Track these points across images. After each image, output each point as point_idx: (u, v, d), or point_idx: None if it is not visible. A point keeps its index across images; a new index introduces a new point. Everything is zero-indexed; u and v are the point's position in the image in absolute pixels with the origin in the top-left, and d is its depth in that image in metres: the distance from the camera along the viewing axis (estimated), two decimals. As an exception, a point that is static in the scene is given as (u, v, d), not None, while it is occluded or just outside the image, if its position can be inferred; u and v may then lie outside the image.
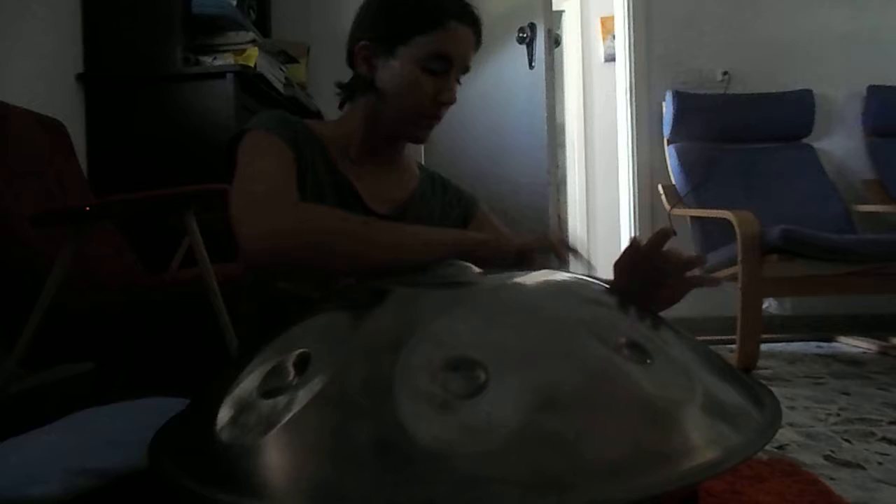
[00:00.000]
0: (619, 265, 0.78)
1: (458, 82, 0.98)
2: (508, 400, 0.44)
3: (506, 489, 0.39)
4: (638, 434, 0.44)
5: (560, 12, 4.14)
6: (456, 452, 0.41)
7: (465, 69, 0.97)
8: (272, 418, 0.47)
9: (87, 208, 1.30)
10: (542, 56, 2.53)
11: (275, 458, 0.46)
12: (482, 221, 1.12)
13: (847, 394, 1.79)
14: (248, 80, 2.08)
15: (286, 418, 0.47)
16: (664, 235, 0.75)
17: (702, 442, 0.46)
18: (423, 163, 1.21)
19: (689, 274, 0.77)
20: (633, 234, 3.08)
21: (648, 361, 0.51)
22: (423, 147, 2.94)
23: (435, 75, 0.94)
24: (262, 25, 2.66)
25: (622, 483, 0.40)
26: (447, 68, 0.94)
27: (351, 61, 0.99)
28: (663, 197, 2.82)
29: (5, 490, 0.65)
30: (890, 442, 1.35)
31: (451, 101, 0.96)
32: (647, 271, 0.75)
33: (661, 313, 0.69)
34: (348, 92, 1.02)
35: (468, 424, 0.42)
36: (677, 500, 0.59)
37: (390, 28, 0.94)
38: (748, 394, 0.55)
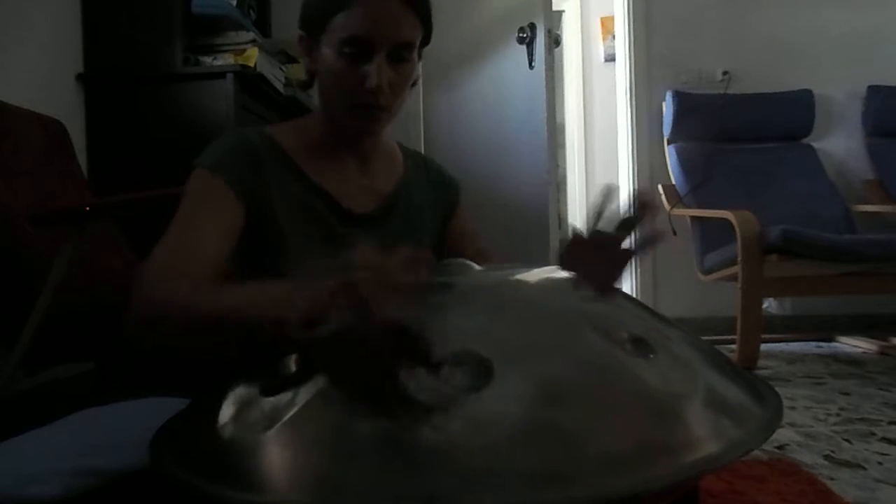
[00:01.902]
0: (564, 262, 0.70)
1: (400, 59, 0.84)
2: (512, 394, 0.44)
3: (509, 482, 0.39)
4: (641, 427, 0.44)
5: (560, 12, 4.14)
6: (459, 446, 0.41)
7: (402, 45, 0.83)
8: (274, 415, 0.47)
9: (87, 208, 1.30)
10: (542, 56, 2.53)
11: (277, 453, 0.46)
12: (461, 217, 1.07)
13: (847, 394, 1.79)
14: (248, 80, 2.08)
15: (289, 415, 0.47)
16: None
17: (704, 436, 0.46)
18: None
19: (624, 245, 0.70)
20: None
21: (651, 356, 0.51)
22: (423, 146, 2.94)
23: (357, 60, 0.82)
24: (262, 25, 2.66)
25: (625, 476, 0.40)
26: (367, 52, 0.82)
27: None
28: (663, 197, 2.82)
29: (5, 490, 0.65)
30: (890, 442, 1.35)
31: (377, 87, 0.82)
32: (593, 256, 0.67)
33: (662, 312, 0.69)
34: (304, 87, 0.96)
35: (472, 418, 0.42)
36: (679, 496, 0.58)
37: (311, 14, 0.88)
38: (750, 389, 0.55)
